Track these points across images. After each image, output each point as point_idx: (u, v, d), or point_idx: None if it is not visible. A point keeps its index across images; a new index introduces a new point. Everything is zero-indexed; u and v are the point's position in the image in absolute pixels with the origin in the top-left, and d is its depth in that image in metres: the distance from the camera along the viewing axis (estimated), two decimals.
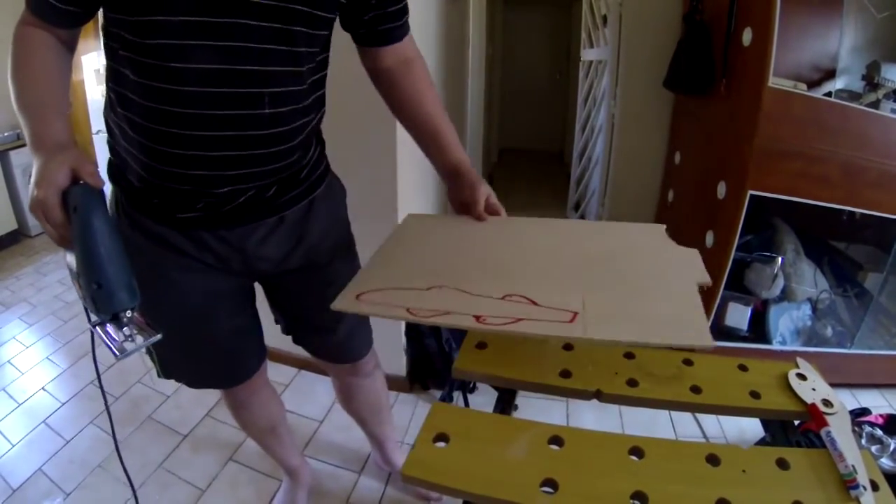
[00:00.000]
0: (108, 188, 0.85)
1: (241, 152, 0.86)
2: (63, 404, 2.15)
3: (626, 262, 0.84)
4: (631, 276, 0.80)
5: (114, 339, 0.73)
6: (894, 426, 1.74)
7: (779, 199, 1.85)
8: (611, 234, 0.95)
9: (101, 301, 0.70)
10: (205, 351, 1.12)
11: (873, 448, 1.68)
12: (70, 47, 0.87)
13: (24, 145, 4.11)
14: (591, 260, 0.85)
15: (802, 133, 1.76)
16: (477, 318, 0.71)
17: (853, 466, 0.61)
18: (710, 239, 2.05)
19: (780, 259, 2.08)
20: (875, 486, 0.60)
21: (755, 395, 0.73)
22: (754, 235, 2.12)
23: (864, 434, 1.71)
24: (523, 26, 6.03)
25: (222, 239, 0.96)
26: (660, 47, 2.49)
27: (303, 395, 2.15)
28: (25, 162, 4.09)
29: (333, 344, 1.29)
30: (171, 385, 2.20)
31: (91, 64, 3.42)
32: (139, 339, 0.73)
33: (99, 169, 0.72)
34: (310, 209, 1.04)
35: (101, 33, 0.86)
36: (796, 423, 0.86)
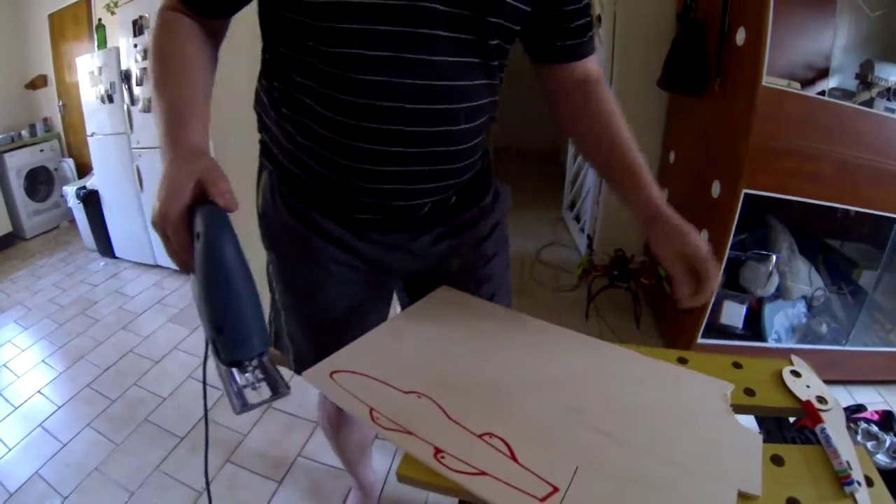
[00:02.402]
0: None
1: (431, 167, 0.82)
2: (59, 407, 2.15)
3: (654, 437, 0.63)
4: (649, 460, 0.60)
5: (234, 383, 0.62)
6: (890, 422, 1.75)
7: (773, 198, 1.86)
8: (655, 383, 0.73)
9: (221, 347, 0.59)
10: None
11: (869, 444, 1.68)
12: (217, 39, 0.81)
13: (18, 147, 4.10)
14: (610, 416, 0.67)
15: (796, 132, 1.76)
16: (437, 451, 0.60)
17: (847, 463, 0.61)
18: (704, 237, 2.05)
19: (774, 257, 2.08)
20: (870, 482, 0.60)
21: (750, 392, 0.73)
22: (749, 234, 2.12)
23: (859, 430, 1.72)
24: None
25: (392, 240, 0.93)
26: (654, 47, 2.49)
27: (299, 396, 2.15)
28: (19, 164, 4.08)
29: None
30: (167, 387, 2.20)
31: (85, 65, 3.41)
32: (264, 390, 0.62)
33: (227, 181, 0.60)
34: (479, 214, 1.00)
35: (259, 23, 0.82)
36: (791, 419, 0.86)
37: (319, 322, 0.98)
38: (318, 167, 0.82)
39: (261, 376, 0.62)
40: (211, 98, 0.75)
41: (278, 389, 0.62)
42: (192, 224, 0.58)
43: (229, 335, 0.59)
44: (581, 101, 0.90)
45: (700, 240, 0.78)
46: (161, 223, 0.58)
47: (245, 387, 0.62)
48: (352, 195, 0.84)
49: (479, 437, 0.62)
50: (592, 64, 0.91)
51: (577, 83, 0.90)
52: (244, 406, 0.61)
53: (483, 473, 0.57)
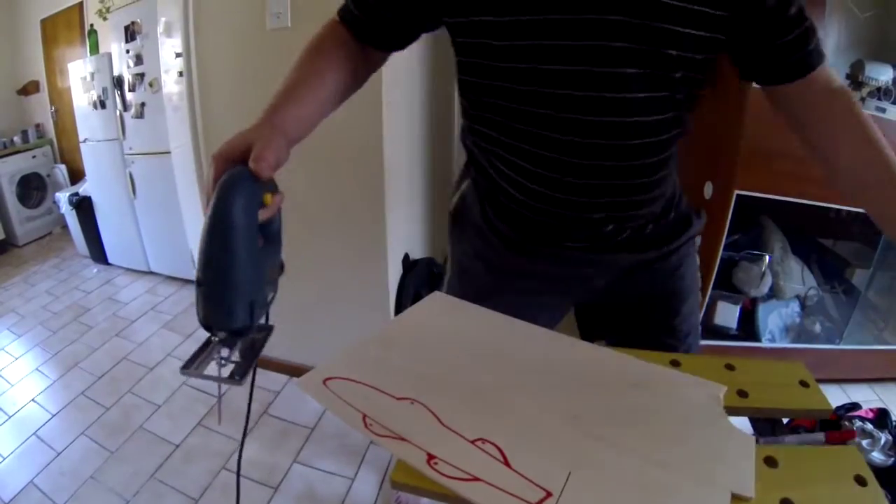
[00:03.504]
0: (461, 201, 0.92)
1: (613, 182, 0.82)
2: (53, 416, 2.13)
3: (650, 437, 0.64)
4: (641, 464, 0.60)
5: (206, 345, 0.61)
6: (884, 420, 1.75)
7: (765, 198, 1.86)
8: (648, 387, 0.73)
9: (198, 303, 0.58)
10: None
11: (864, 442, 1.69)
12: (370, 68, 0.83)
13: (10, 154, 4.09)
14: (603, 420, 0.66)
15: (788, 133, 1.77)
16: (430, 457, 0.59)
17: None
18: (698, 238, 2.06)
19: (767, 257, 2.09)
20: (863, 482, 0.60)
21: (742, 394, 0.73)
22: (742, 234, 2.13)
23: (854, 428, 1.73)
24: None
25: (593, 262, 0.94)
26: None
27: (294, 402, 2.14)
28: (12, 170, 4.07)
29: None
30: (162, 394, 2.20)
31: (78, 71, 3.40)
32: (224, 369, 0.61)
33: (275, 162, 0.62)
34: (673, 249, 1.00)
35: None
36: (784, 420, 0.86)
37: None
38: (522, 180, 0.84)
39: (227, 354, 0.61)
40: (321, 112, 0.77)
41: (231, 375, 0.60)
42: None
43: (205, 291, 0.58)
44: (829, 117, 0.77)
45: None
46: (210, 160, 0.61)
47: (212, 356, 0.60)
48: (545, 217, 0.86)
49: (473, 442, 0.61)
50: (829, 70, 0.77)
51: (820, 98, 0.78)
52: (184, 367, 0.58)
53: (476, 479, 0.56)
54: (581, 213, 0.84)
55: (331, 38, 0.78)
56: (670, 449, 0.62)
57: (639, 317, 1.03)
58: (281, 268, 0.74)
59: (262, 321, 0.67)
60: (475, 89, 0.79)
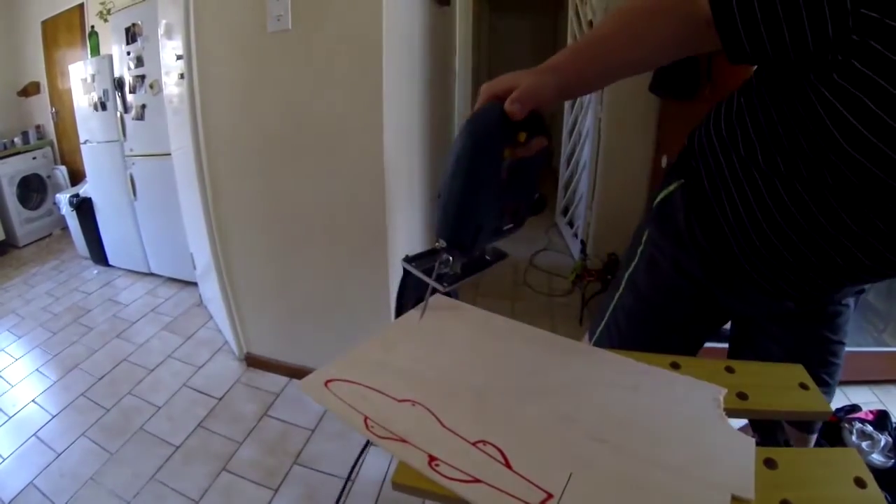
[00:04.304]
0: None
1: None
2: (54, 417, 2.13)
3: (648, 443, 0.63)
4: (642, 466, 0.60)
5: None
6: (884, 422, 1.76)
7: None
8: (648, 389, 0.74)
9: (437, 217, 0.66)
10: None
11: (864, 444, 1.69)
12: (693, 50, 0.72)
13: (10, 155, 4.09)
14: (604, 422, 0.66)
15: None
16: (431, 459, 0.60)
17: None
18: None
19: None
20: (863, 484, 0.61)
21: (742, 396, 0.74)
22: None
23: (854, 430, 1.73)
24: (510, 33, 6.07)
25: (747, 295, 0.92)
26: None
27: (294, 403, 2.14)
28: (12, 171, 4.07)
29: None
30: (162, 396, 2.20)
31: (78, 72, 3.40)
32: (452, 271, 0.70)
33: (530, 108, 0.64)
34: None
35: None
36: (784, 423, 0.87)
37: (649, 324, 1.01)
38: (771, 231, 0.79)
39: (448, 258, 0.69)
40: (613, 77, 0.75)
41: (440, 279, 0.70)
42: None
43: (440, 203, 0.64)
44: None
45: None
46: (480, 91, 0.65)
47: (435, 260, 0.70)
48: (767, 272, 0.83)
49: (474, 444, 0.62)
50: None
51: None
52: (406, 259, 0.72)
53: (477, 481, 0.57)
54: (802, 281, 0.81)
55: (680, 5, 0.67)
56: (671, 451, 0.62)
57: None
58: (538, 205, 0.78)
59: (497, 247, 0.77)
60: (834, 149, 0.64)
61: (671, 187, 0.93)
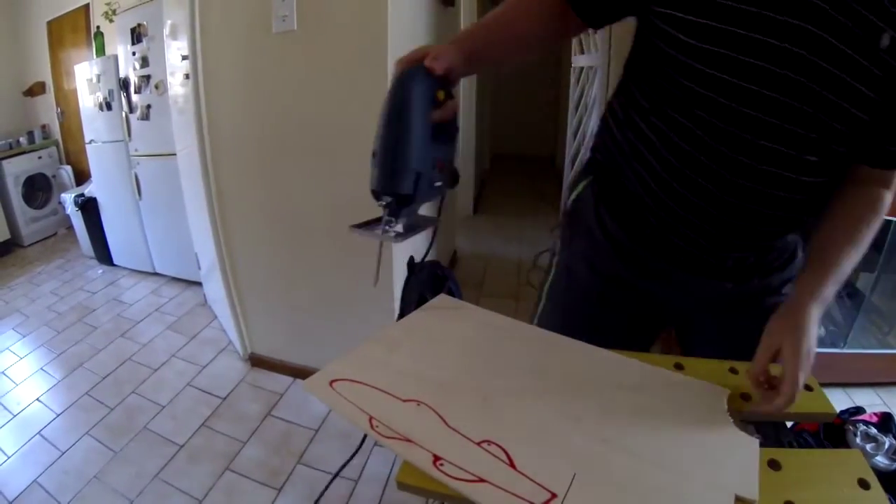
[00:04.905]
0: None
1: (762, 209, 0.79)
2: (58, 415, 2.14)
3: (651, 443, 0.64)
4: (646, 467, 0.60)
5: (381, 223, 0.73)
6: (888, 424, 1.75)
7: None
8: (652, 389, 0.74)
9: (371, 174, 0.69)
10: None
11: (868, 446, 1.69)
12: (563, 33, 0.87)
13: (16, 154, 4.11)
14: (608, 423, 0.67)
15: None
16: (435, 459, 0.60)
17: None
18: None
19: None
20: (867, 486, 0.61)
21: (746, 397, 0.74)
22: None
23: (858, 433, 1.72)
24: None
25: (683, 283, 0.93)
26: None
27: (298, 403, 2.14)
28: (17, 171, 4.09)
29: None
30: (166, 395, 2.20)
31: (84, 72, 3.42)
32: (396, 230, 0.72)
33: (448, 63, 0.73)
34: (778, 284, 0.96)
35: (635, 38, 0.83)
36: (788, 424, 0.86)
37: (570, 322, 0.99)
38: (669, 199, 0.83)
39: (391, 219, 0.72)
40: (501, 56, 0.87)
41: (385, 229, 0.73)
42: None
43: (377, 160, 0.68)
44: (862, 201, 0.81)
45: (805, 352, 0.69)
46: (394, 63, 0.73)
47: (387, 222, 0.73)
48: (683, 225, 0.84)
49: (478, 444, 0.62)
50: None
51: (874, 185, 0.81)
52: (354, 225, 0.75)
53: (482, 480, 0.57)
54: (721, 234, 0.82)
55: (533, 7, 0.82)
56: (674, 451, 0.62)
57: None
58: (454, 175, 0.82)
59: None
60: (678, 87, 0.75)
61: (579, 188, 0.98)
